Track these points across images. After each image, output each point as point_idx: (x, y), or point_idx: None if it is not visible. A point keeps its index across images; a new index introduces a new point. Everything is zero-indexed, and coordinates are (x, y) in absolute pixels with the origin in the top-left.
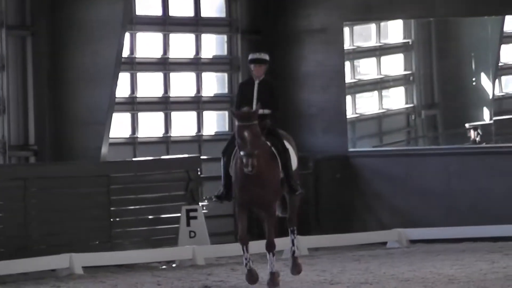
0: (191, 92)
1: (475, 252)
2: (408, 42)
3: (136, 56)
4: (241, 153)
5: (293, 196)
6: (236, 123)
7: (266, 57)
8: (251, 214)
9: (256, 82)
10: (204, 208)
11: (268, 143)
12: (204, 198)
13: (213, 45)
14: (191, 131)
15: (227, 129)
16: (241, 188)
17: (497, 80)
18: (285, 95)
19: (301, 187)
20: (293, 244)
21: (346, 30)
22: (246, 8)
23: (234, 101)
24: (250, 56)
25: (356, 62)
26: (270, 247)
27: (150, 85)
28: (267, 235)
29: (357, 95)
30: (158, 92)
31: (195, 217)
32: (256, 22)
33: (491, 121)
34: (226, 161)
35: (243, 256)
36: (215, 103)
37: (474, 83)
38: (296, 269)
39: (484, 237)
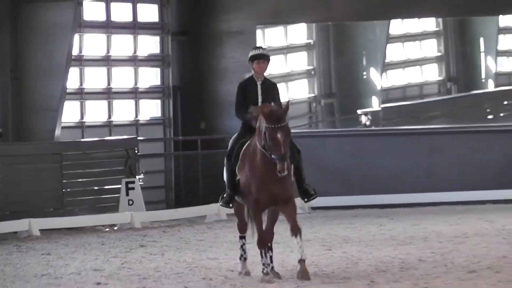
0: (129, 84)
1: (366, 217)
2: (310, 42)
3: (84, 54)
4: (274, 156)
5: (292, 206)
6: (265, 124)
7: (268, 53)
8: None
9: (259, 83)
10: (140, 180)
11: None
12: (140, 172)
13: (148, 45)
14: (130, 117)
15: (160, 114)
16: (261, 187)
17: (384, 74)
18: (209, 86)
19: (315, 190)
20: (271, 261)
21: (259, 32)
22: (175, 13)
23: (234, 102)
24: (252, 52)
25: None
26: (296, 229)
27: (95, 78)
28: (292, 219)
29: None
30: (102, 84)
31: (133, 188)
32: (184, 25)
33: (379, 108)
34: (233, 163)
35: (261, 260)
36: (149, 93)
37: (365, 77)
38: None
39: (373, 205)
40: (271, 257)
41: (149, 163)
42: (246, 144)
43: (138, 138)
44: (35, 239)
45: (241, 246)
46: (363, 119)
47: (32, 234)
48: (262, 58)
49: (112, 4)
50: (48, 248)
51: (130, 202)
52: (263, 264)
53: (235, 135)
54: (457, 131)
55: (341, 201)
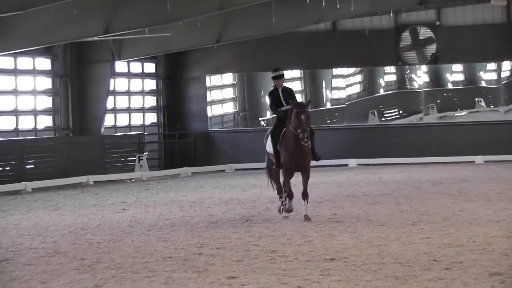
0: (139, 104)
1: (264, 174)
2: (234, 83)
3: (116, 89)
4: (298, 130)
5: (307, 174)
6: (294, 110)
7: (282, 72)
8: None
9: (280, 90)
10: (146, 155)
11: None
12: (146, 150)
13: (149, 84)
14: (140, 122)
15: (155, 121)
16: (292, 158)
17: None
18: (181, 106)
19: (321, 156)
20: (284, 204)
21: (208, 78)
22: (164, 67)
23: (269, 103)
24: (273, 74)
25: (212, 92)
26: (305, 195)
27: (121, 102)
28: (304, 187)
29: (213, 106)
30: (125, 105)
31: (142, 159)
32: (168, 73)
33: (271, 117)
34: (276, 141)
35: (288, 203)
36: (150, 109)
37: (263, 100)
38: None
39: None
40: (306, 206)
41: (150, 146)
42: (284, 130)
43: (145, 133)
44: (91, 187)
45: (281, 202)
46: (262, 123)
47: (89, 184)
48: (279, 77)
49: (130, 64)
50: (98, 191)
51: (141, 166)
52: (290, 204)
53: (275, 124)
54: (313, 129)
55: (251, 166)
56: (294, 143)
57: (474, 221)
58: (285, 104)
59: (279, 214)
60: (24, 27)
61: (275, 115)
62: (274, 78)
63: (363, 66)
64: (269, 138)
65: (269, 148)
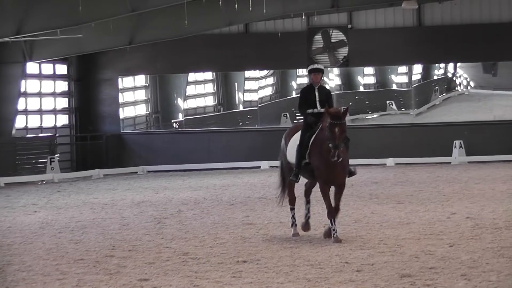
0: (51, 106)
1: (176, 176)
2: (147, 85)
3: (27, 91)
4: (330, 145)
5: (342, 189)
6: (329, 120)
7: (322, 67)
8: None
9: (316, 88)
10: (57, 157)
11: None
12: (57, 152)
13: (61, 86)
14: (52, 123)
15: (68, 122)
16: (329, 172)
17: (185, 102)
18: (92, 108)
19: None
20: (334, 230)
21: (120, 79)
22: (76, 69)
23: (299, 101)
24: (310, 67)
25: (124, 94)
26: (337, 212)
27: (33, 103)
28: (336, 203)
29: (125, 108)
30: (37, 106)
31: (53, 161)
32: (81, 75)
33: (183, 119)
34: (303, 150)
35: (331, 227)
36: (62, 111)
37: (175, 102)
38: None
39: (180, 169)
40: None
41: (62, 148)
42: (314, 136)
43: (56, 135)
44: (1, 188)
45: (292, 216)
46: (175, 125)
47: (0, 186)
48: (317, 71)
49: (42, 65)
50: (9, 193)
51: (52, 168)
52: (333, 230)
53: (302, 129)
54: (222, 131)
55: (163, 168)
56: (329, 153)
57: (385, 223)
58: (318, 106)
59: (292, 234)
60: None
61: (301, 116)
62: (311, 72)
63: (276, 68)
64: (292, 146)
65: (291, 157)
